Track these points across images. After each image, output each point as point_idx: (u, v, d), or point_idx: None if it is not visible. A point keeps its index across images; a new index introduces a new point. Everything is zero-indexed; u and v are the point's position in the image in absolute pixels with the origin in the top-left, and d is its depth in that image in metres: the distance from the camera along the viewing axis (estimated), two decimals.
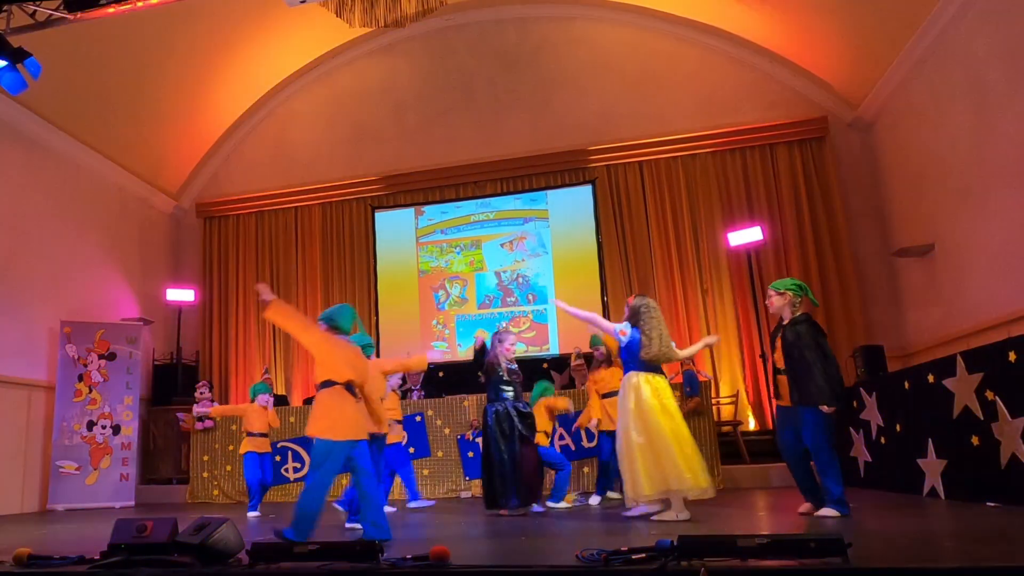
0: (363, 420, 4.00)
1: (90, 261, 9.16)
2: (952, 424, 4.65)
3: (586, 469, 7.18)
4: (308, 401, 8.76)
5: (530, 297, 9.62)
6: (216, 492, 8.05)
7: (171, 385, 9.55)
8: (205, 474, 8.10)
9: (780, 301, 4.52)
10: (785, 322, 4.50)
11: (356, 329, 4.25)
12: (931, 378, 4.90)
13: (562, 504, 5.67)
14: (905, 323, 8.43)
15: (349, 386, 3.93)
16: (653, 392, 4.44)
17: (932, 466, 4.97)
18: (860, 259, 8.80)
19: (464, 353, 9.37)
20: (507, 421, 5.33)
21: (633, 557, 2.53)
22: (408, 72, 10.57)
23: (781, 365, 4.41)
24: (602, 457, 6.06)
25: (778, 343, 4.47)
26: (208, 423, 8.09)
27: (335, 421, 3.80)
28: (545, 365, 8.90)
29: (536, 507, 5.36)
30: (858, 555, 2.38)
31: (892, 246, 8.43)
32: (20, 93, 6.01)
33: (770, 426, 8.25)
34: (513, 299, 9.61)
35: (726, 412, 8.52)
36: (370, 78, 10.68)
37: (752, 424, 8.52)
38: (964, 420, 4.52)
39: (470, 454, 7.34)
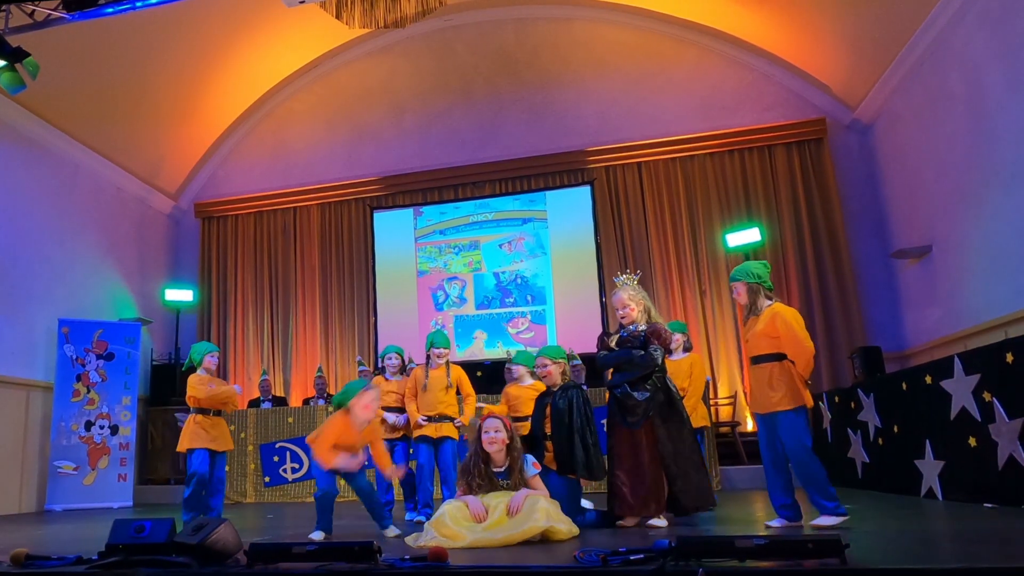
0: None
1: (88, 261, 9.15)
2: (950, 425, 4.66)
3: None
4: (308, 402, 8.76)
5: (529, 298, 9.62)
6: None
7: (169, 385, 9.54)
8: None
9: (557, 369, 4.55)
10: (555, 389, 4.53)
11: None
12: (929, 379, 4.91)
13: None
14: (903, 324, 8.44)
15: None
16: None
17: (930, 467, 4.97)
18: (858, 260, 8.81)
19: (461, 354, 9.37)
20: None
21: (631, 558, 2.53)
22: (407, 72, 10.57)
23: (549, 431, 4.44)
24: None
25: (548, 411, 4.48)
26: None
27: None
28: None
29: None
30: (856, 556, 2.39)
31: (890, 247, 8.44)
32: (19, 93, 6.02)
33: None
34: (512, 300, 9.60)
35: (724, 413, 8.53)
36: (369, 78, 10.67)
37: (750, 425, 8.52)
38: (962, 421, 4.53)
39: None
